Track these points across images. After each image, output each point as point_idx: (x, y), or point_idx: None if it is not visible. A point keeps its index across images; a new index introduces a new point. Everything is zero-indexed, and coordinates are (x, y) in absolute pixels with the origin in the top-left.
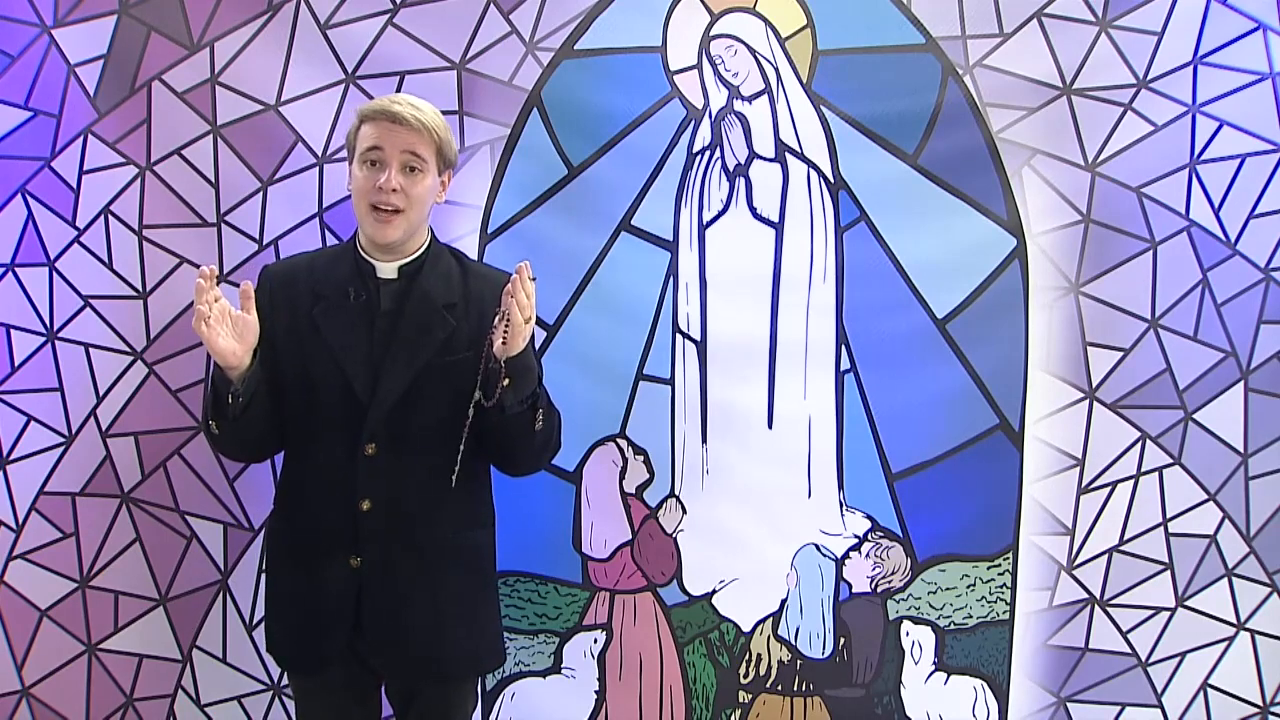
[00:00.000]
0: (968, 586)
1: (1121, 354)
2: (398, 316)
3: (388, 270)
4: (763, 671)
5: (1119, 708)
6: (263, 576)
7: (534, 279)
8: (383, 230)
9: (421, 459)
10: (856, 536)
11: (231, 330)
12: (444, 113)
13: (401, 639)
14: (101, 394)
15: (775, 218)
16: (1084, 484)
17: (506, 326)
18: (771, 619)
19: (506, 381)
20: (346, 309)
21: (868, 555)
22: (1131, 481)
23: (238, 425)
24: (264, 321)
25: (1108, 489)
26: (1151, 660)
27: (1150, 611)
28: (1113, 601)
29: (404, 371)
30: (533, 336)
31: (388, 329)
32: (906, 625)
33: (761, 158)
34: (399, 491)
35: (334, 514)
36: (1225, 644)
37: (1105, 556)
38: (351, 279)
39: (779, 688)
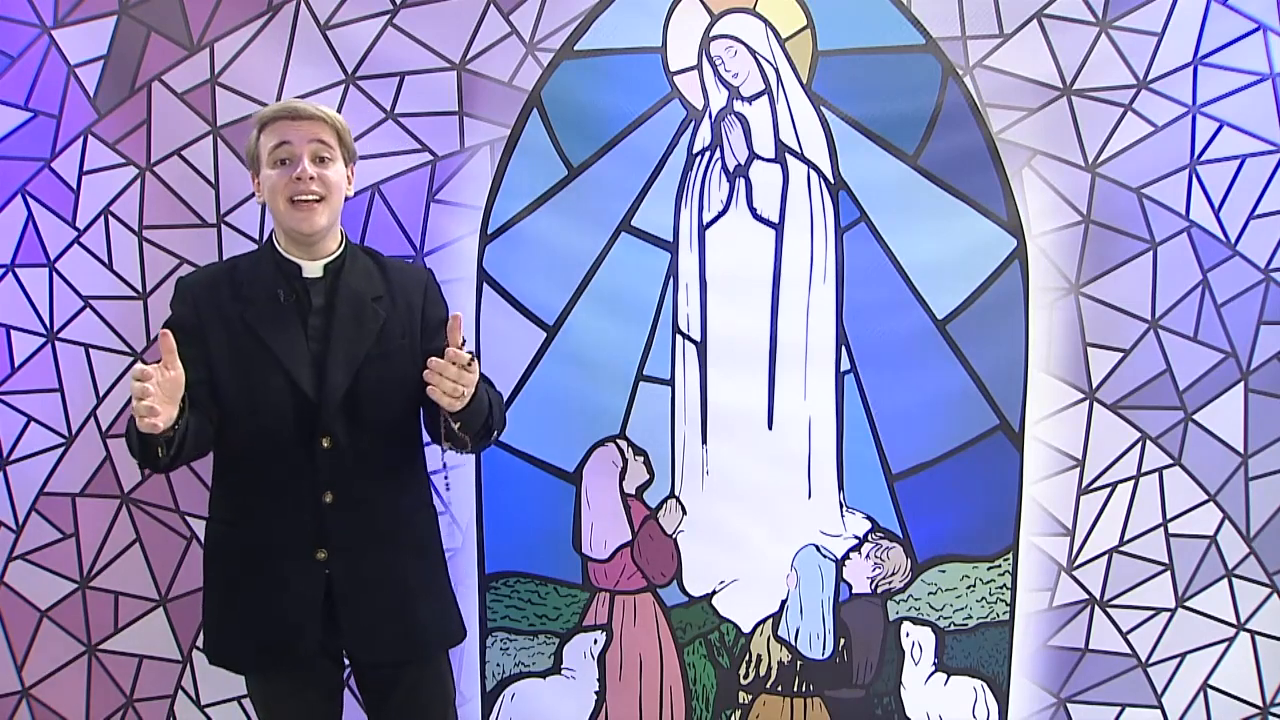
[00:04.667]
0: (968, 587)
1: (1122, 354)
2: (330, 313)
3: (313, 269)
4: (763, 672)
5: (1119, 708)
6: (206, 591)
7: (471, 361)
8: (308, 219)
9: (375, 446)
10: (856, 537)
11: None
12: (444, 113)
13: (376, 624)
14: (101, 394)
15: (775, 218)
16: (1084, 485)
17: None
18: (771, 620)
19: (458, 425)
20: (278, 311)
21: (868, 556)
22: (1131, 482)
23: (170, 464)
24: (193, 336)
25: (1108, 490)
26: (1151, 661)
27: (1150, 612)
28: (1113, 602)
29: (347, 365)
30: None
31: (322, 326)
32: (906, 626)
33: (761, 158)
34: (359, 480)
35: (295, 511)
36: (1225, 644)
37: (1105, 557)
38: (277, 281)
39: (779, 688)
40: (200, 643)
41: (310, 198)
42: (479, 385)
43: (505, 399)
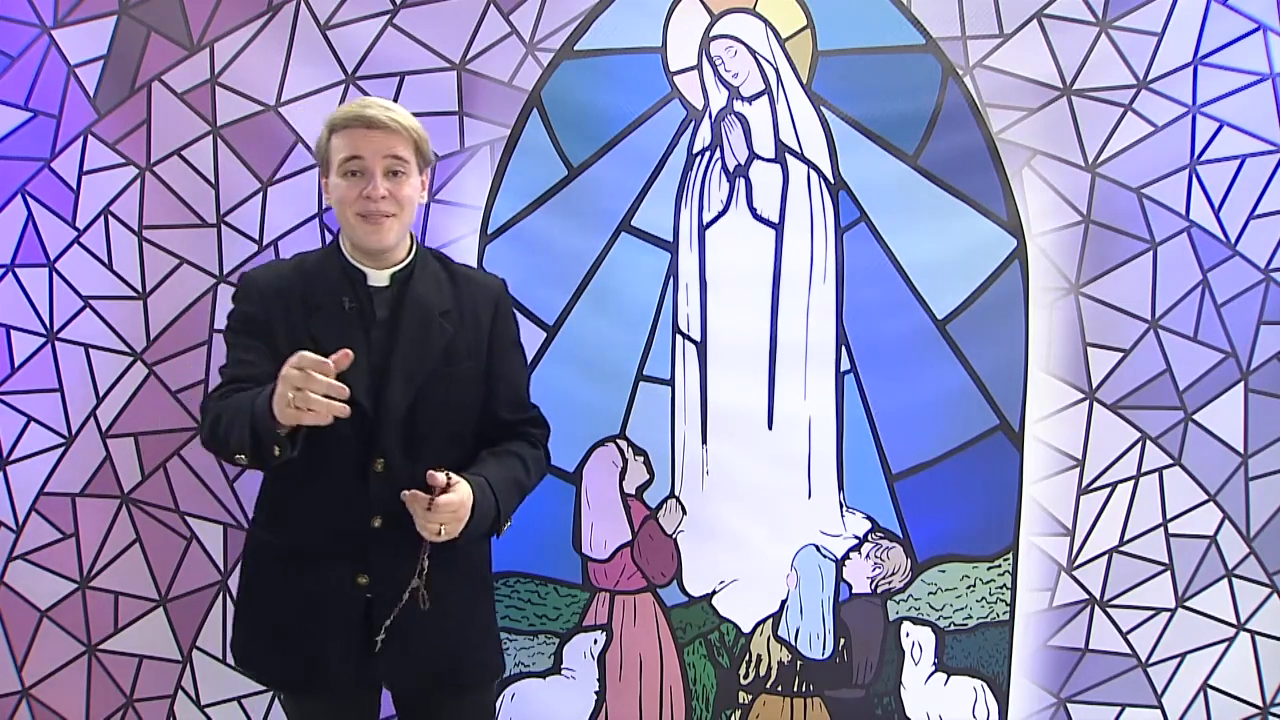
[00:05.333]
0: (968, 587)
1: (1122, 354)
2: (394, 326)
3: (379, 278)
4: (763, 672)
5: (1119, 708)
6: (242, 591)
7: (434, 501)
8: (377, 235)
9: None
10: (856, 537)
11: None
12: (444, 113)
13: (417, 653)
14: (101, 395)
15: (775, 218)
16: (1084, 484)
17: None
18: (771, 620)
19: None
20: (341, 318)
21: (868, 556)
22: (1131, 482)
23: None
24: (263, 326)
25: (1108, 489)
26: (1151, 661)
27: (1150, 612)
28: (1113, 602)
29: (408, 383)
30: (486, 488)
31: (385, 339)
32: (906, 626)
33: (761, 158)
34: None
35: (341, 529)
36: (1225, 645)
37: (1105, 557)
38: (343, 287)
39: (779, 688)
40: (200, 643)
41: (381, 215)
42: (475, 507)
43: None
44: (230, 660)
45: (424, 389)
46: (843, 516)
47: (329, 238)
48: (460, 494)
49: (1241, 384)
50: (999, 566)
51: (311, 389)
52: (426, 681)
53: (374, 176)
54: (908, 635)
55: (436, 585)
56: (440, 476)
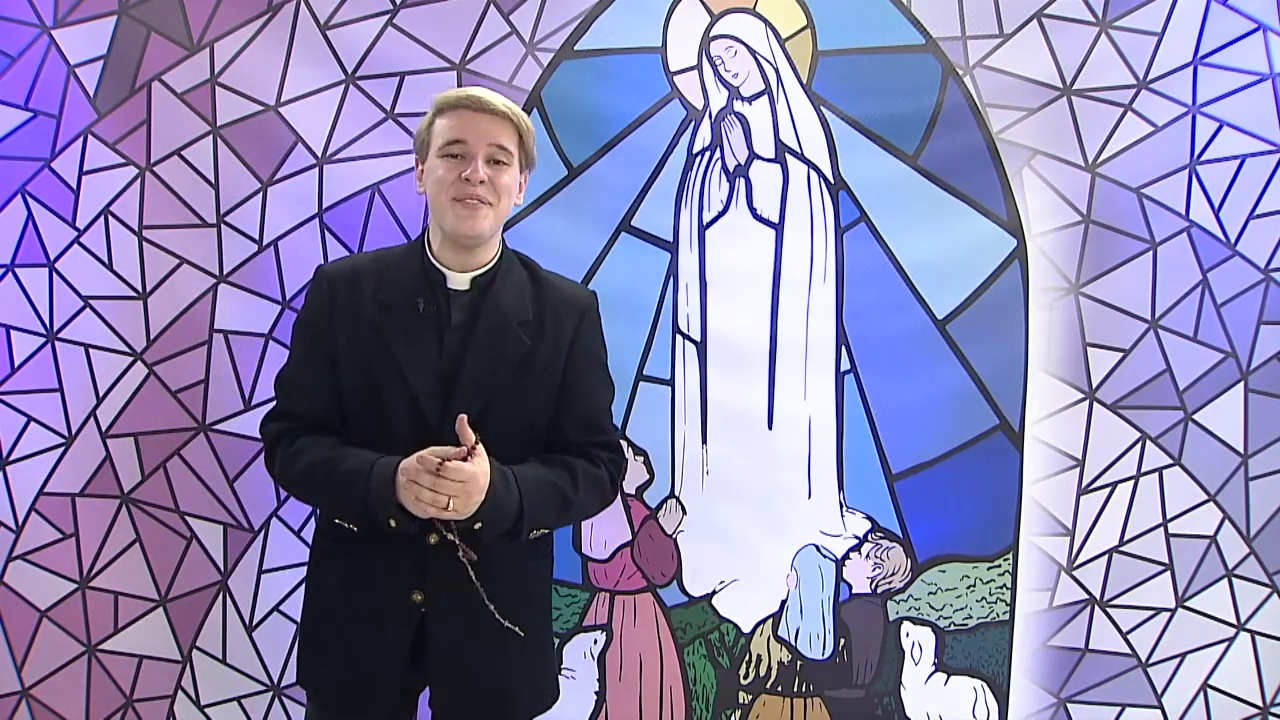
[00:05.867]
0: (968, 587)
1: (1121, 354)
2: (469, 332)
3: (459, 280)
4: (763, 672)
5: (1119, 708)
6: (306, 612)
7: (442, 465)
8: (471, 222)
9: None
10: (856, 537)
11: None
12: None
13: (469, 677)
14: (101, 395)
15: (775, 218)
16: (1084, 484)
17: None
18: (771, 620)
19: (478, 526)
20: (414, 321)
21: (868, 556)
22: (1131, 482)
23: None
24: (324, 330)
25: (1108, 489)
26: (1151, 661)
27: (1150, 612)
28: (1113, 602)
29: (477, 394)
30: (502, 481)
31: (458, 346)
32: (906, 626)
33: (761, 158)
34: (469, 524)
35: (396, 547)
36: (1225, 645)
37: (1105, 557)
38: (420, 288)
39: (779, 688)
40: (200, 643)
41: (477, 201)
42: (493, 491)
43: None
44: (230, 660)
45: (494, 401)
46: (843, 516)
47: (329, 238)
48: (477, 466)
49: (1241, 384)
50: (999, 566)
51: (440, 490)
52: (477, 712)
53: (475, 160)
54: (908, 635)
55: (501, 608)
56: (469, 432)
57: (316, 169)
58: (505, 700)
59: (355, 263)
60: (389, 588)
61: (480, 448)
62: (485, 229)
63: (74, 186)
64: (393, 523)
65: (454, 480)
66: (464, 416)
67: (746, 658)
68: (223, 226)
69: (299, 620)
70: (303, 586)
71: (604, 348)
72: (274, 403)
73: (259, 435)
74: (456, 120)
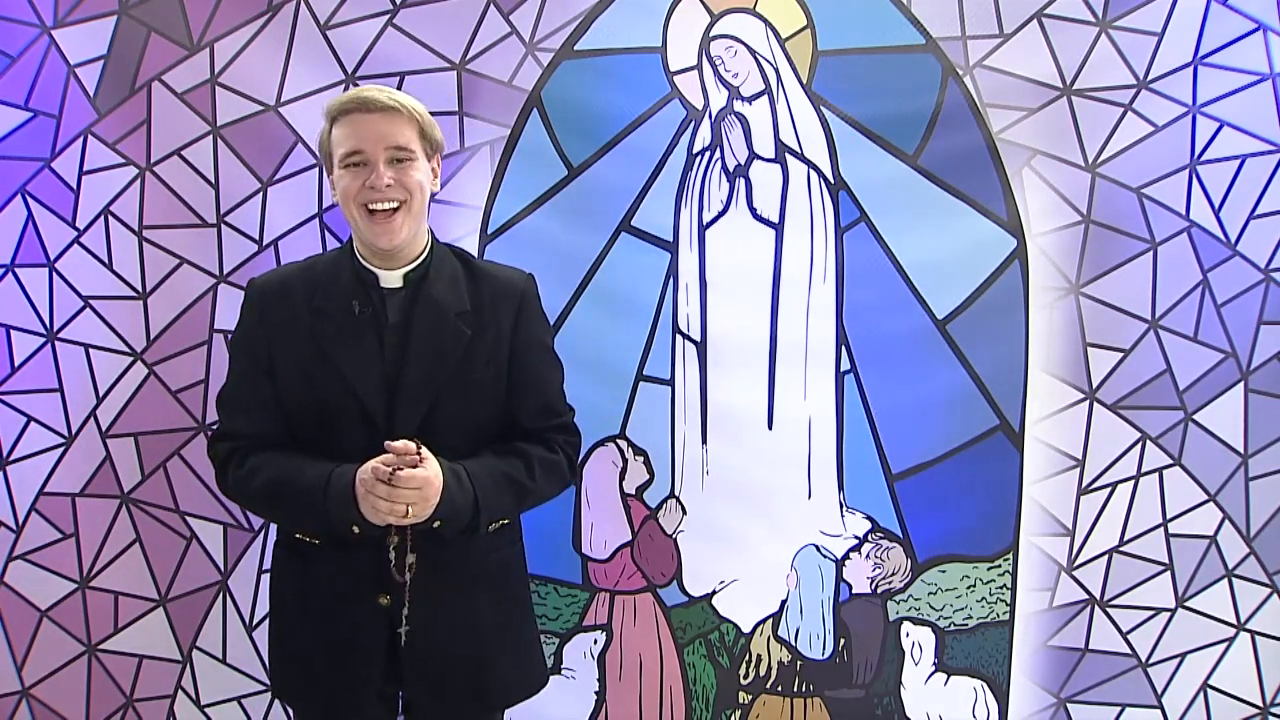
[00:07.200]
0: (968, 587)
1: (1122, 354)
2: (407, 330)
3: (392, 279)
4: (763, 672)
5: (1119, 708)
6: (271, 623)
7: (394, 474)
8: (385, 233)
9: None
10: (856, 537)
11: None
12: (444, 113)
13: (443, 671)
14: (101, 394)
15: (775, 218)
16: (1084, 485)
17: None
18: (771, 620)
19: (437, 525)
20: (351, 325)
21: (868, 556)
22: (1131, 482)
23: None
24: (260, 345)
25: (1108, 490)
26: (1151, 661)
27: (1150, 612)
28: (1113, 602)
29: (422, 392)
30: (459, 476)
31: (398, 345)
32: (906, 626)
33: (761, 158)
34: (430, 520)
35: (358, 552)
36: (1225, 645)
37: (1105, 557)
38: (354, 290)
39: (779, 688)
40: (200, 643)
41: (387, 206)
42: (446, 491)
43: None
44: (230, 660)
45: (441, 397)
46: (843, 516)
47: (329, 238)
48: (428, 470)
49: (1241, 384)
50: (999, 566)
51: (396, 499)
52: (458, 705)
53: (376, 166)
54: (908, 635)
55: (470, 600)
56: (399, 445)
57: (317, 169)
58: (483, 693)
59: (285, 273)
60: (354, 594)
61: (426, 451)
62: (402, 237)
63: (74, 186)
64: (356, 530)
65: (408, 489)
66: (396, 443)
67: (746, 658)
68: (223, 226)
69: (268, 634)
70: None
71: (548, 329)
72: (217, 424)
73: (208, 457)
74: (350, 127)
